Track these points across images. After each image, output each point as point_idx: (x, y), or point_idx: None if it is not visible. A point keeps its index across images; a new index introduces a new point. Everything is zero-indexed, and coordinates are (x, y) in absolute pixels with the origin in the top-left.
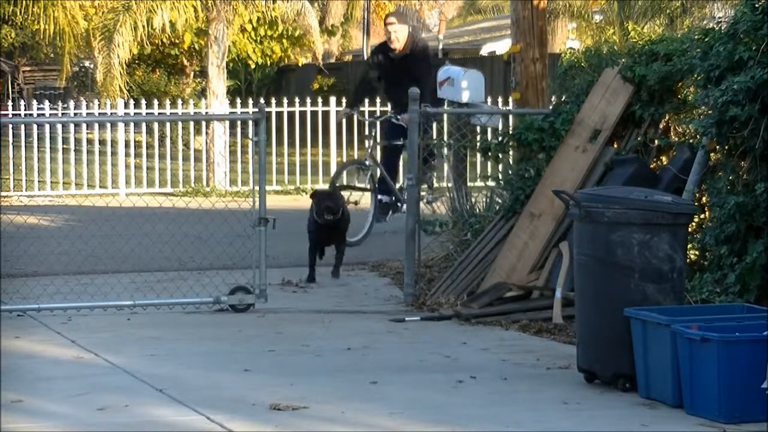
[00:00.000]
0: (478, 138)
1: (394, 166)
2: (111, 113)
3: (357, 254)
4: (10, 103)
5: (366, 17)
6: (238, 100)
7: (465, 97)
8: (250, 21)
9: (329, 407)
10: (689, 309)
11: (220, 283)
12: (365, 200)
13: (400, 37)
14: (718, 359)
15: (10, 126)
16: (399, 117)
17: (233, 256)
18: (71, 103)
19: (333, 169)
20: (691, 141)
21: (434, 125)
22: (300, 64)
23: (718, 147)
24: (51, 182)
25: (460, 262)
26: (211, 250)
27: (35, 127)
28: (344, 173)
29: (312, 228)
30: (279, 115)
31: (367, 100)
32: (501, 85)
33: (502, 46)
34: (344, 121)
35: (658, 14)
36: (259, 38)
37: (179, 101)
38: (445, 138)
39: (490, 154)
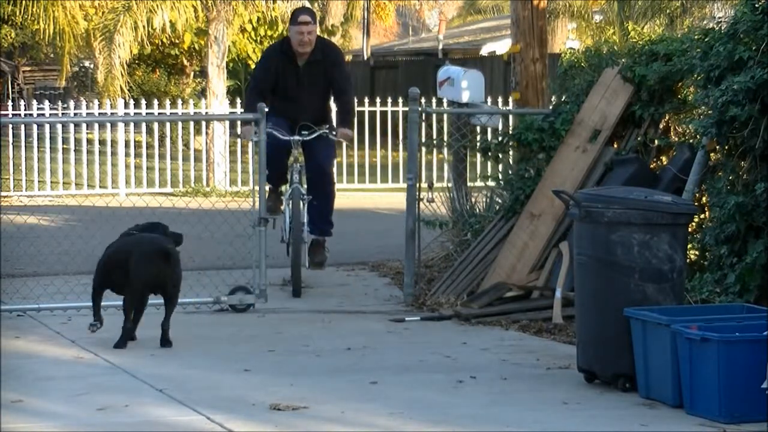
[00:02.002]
0: (478, 138)
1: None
2: (111, 113)
3: (357, 254)
4: (10, 103)
5: (366, 17)
6: (238, 100)
7: (465, 97)
8: (250, 21)
9: (329, 407)
10: (689, 309)
11: (220, 283)
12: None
13: (313, 39)
14: (718, 359)
15: (10, 126)
16: (335, 132)
17: (233, 256)
18: (71, 103)
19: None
20: (691, 141)
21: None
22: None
23: (718, 147)
24: (51, 182)
25: (460, 262)
26: (211, 250)
27: (35, 127)
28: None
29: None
30: None
31: None
32: (501, 85)
33: (502, 46)
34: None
35: (658, 14)
36: (259, 38)
37: (179, 101)
38: (445, 138)
39: (490, 154)
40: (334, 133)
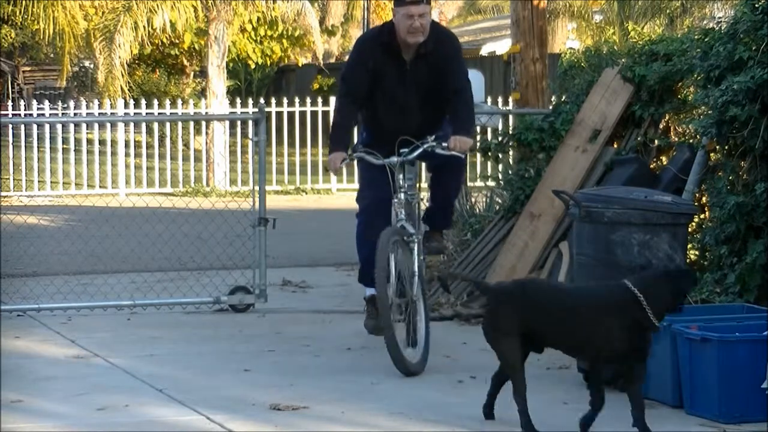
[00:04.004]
0: (478, 138)
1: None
2: (111, 113)
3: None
4: (10, 103)
5: (366, 17)
6: (238, 100)
7: None
8: (250, 21)
9: (329, 407)
10: (689, 309)
11: (220, 283)
12: None
13: (427, 26)
14: (718, 359)
15: (10, 126)
16: (444, 144)
17: (233, 256)
18: (71, 103)
19: None
20: (691, 141)
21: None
22: (300, 64)
23: (718, 147)
24: (51, 182)
25: (460, 262)
26: (211, 250)
27: (35, 127)
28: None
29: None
30: (279, 115)
31: None
32: (501, 85)
33: (502, 46)
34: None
35: (658, 14)
36: (259, 38)
37: (179, 101)
38: None
39: (490, 154)
40: (444, 144)
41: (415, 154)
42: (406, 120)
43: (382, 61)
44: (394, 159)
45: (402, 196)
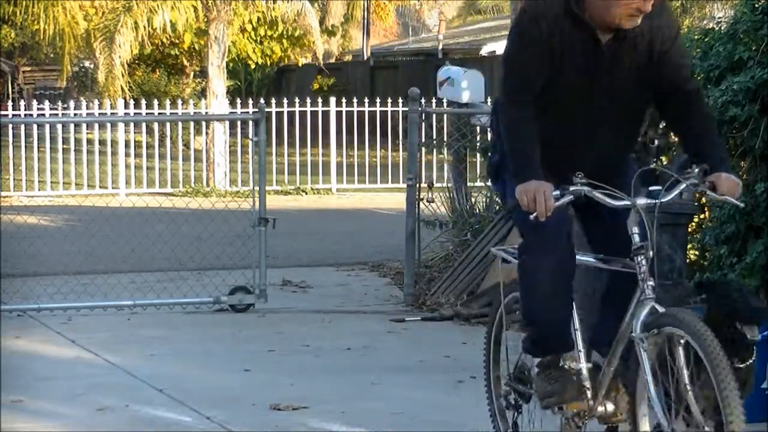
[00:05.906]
0: (478, 138)
1: None
2: (111, 113)
3: (357, 254)
4: (10, 103)
5: (366, 17)
6: (238, 100)
7: (465, 97)
8: (250, 21)
9: (329, 407)
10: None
11: (220, 283)
12: None
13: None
14: None
15: (10, 126)
16: (709, 182)
17: (233, 256)
18: (71, 103)
19: (333, 169)
20: None
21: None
22: (300, 64)
23: None
24: (51, 182)
25: (460, 262)
26: (211, 250)
27: (35, 127)
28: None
29: None
30: (279, 115)
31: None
32: None
33: (502, 46)
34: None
35: None
36: (259, 38)
37: (179, 101)
38: (445, 138)
39: (489, 154)
40: (707, 183)
41: (674, 194)
42: (593, 135)
43: (569, 41)
44: (643, 201)
45: (644, 260)
